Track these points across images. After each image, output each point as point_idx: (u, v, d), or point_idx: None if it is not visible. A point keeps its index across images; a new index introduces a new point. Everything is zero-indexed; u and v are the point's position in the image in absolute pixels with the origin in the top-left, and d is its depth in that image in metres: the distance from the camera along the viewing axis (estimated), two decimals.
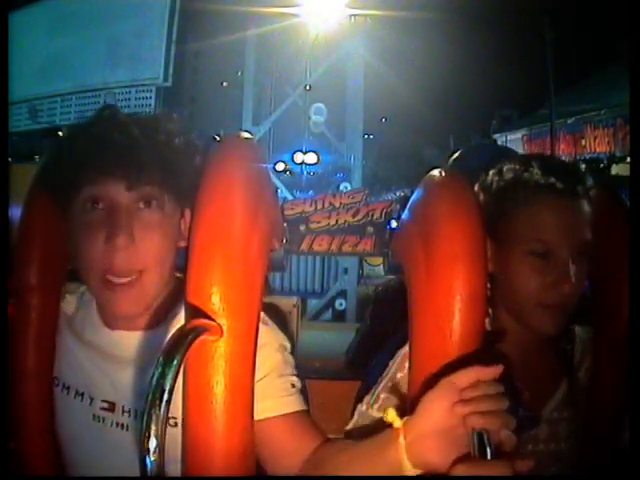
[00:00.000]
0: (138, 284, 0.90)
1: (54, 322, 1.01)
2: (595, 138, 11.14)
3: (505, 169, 0.98)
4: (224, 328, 0.80)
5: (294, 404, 0.93)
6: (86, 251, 0.89)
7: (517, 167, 0.97)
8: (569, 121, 11.57)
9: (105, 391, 0.97)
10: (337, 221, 3.82)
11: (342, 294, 6.08)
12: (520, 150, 11.73)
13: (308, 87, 7.06)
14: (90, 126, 0.94)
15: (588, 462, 1.02)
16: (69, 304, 1.04)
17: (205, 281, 0.81)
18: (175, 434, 0.83)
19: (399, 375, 0.98)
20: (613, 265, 1.01)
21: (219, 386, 0.81)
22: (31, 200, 1.02)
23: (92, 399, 0.97)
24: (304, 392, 0.98)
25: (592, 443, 1.02)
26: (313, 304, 6.14)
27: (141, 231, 0.89)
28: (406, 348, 0.98)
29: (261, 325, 0.87)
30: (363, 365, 1.13)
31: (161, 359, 0.69)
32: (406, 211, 0.99)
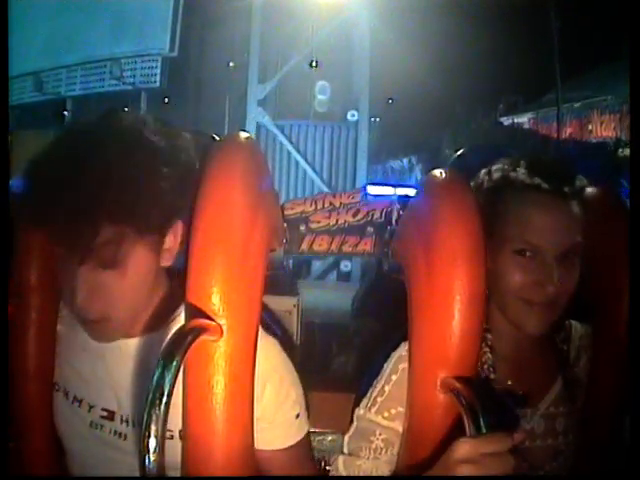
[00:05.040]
0: (110, 323, 0.89)
1: (54, 322, 1.01)
2: (602, 123, 11.04)
3: (494, 169, 0.99)
4: (224, 328, 0.80)
5: (294, 437, 0.98)
6: (62, 292, 0.91)
7: (505, 167, 0.98)
8: (575, 105, 11.45)
9: (106, 399, 0.97)
10: (337, 221, 3.80)
11: (347, 256, 6.10)
12: (527, 133, 11.61)
13: (315, 63, 7.02)
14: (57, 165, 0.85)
15: (588, 462, 1.02)
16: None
17: (205, 281, 0.81)
18: (170, 446, 0.78)
19: (394, 377, 0.98)
20: (613, 265, 1.01)
21: (219, 386, 0.81)
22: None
23: (92, 406, 0.97)
24: (305, 415, 1.00)
25: (591, 444, 1.02)
26: (317, 265, 6.11)
27: (105, 289, 0.87)
28: (400, 351, 0.99)
29: (269, 347, 0.91)
30: (368, 314, 1.13)
31: (161, 359, 0.69)
32: (406, 211, 0.99)
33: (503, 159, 1.01)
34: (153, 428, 0.64)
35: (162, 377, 0.67)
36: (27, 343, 0.98)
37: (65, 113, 8.07)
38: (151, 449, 0.64)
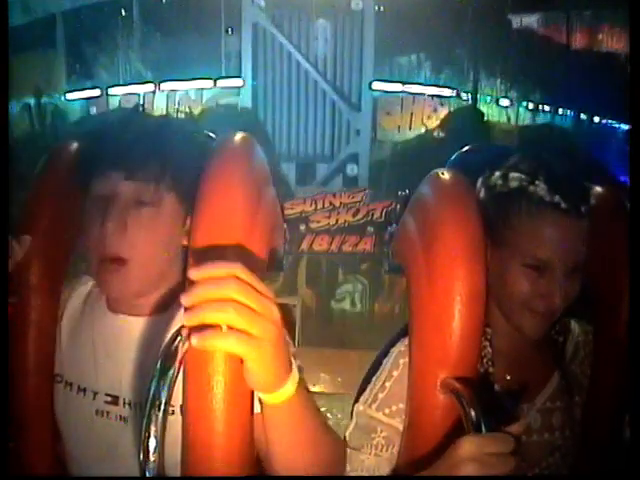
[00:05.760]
0: (124, 270, 0.93)
1: (54, 322, 1.01)
2: (612, 35, 10.75)
3: (511, 176, 0.97)
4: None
5: None
6: (87, 235, 0.95)
7: (523, 177, 0.96)
8: (586, 13, 11.09)
9: (109, 384, 0.98)
10: (337, 221, 3.81)
11: (353, 158, 5.77)
12: (535, 35, 11.27)
13: None
14: (106, 128, 1.00)
15: (588, 462, 1.02)
16: (75, 300, 1.05)
17: None
18: (173, 422, 0.81)
19: (395, 373, 0.99)
20: (613, 266, 1.01)
21: (219, 387, 0.80)
22: (34, 199, 1.01)
23: (95, 393, 0.98)
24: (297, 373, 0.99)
25: (591, 443, 1.02)
26: (322, 169, 5.76)
27: (132, 224, 0.93)
28: (400, 346, 1.00)
29: None
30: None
31: (160, 360, 0.69)
32: (406, 211, 0.99)
33: (519, 164, 0.98)
34: (153, 429, 0.64)
35: (162, 378, 0.67)
36: (27, 343, 0.98)
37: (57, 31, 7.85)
38: (151, 450, 0.64)
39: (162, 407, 0.66)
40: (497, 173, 0.99)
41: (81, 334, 1.01)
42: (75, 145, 1.05)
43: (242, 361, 0.83)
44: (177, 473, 0.85)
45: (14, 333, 0.96)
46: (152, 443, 0.64)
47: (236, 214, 0.84)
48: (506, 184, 0.97)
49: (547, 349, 1.07)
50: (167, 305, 0.99)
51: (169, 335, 0.76)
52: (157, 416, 0.65)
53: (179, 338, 0.73)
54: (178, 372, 0.70)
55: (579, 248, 0.95)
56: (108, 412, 0.97)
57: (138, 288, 0.96)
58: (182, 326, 0.79)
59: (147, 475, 0.65)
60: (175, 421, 0.83)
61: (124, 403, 0.97)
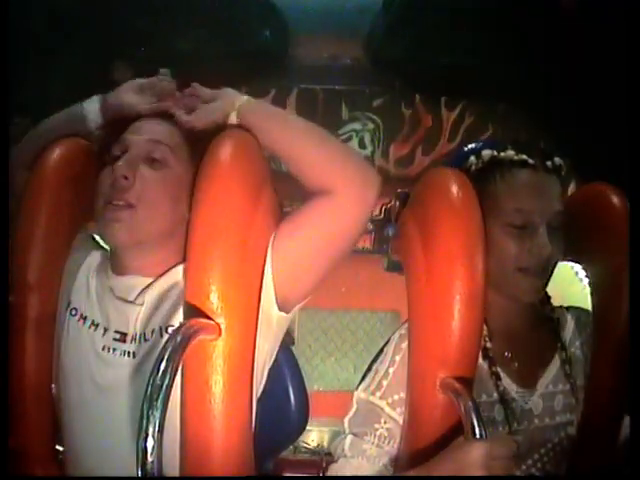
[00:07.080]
0: (132, 214, 0.95)
1: (52, 323, 1.01)
2: None
3: (483, 153, 1.05)
4: (222, 327, 0.80)
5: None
6: (101, 185, 0.99)
7: (494, 150, 1.04)
8: None
9: (121, 322, 0.99)
10: None
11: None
12: None
13: None
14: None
15: (587, 461, 1.02)
16: (95, 251, 1.08)
17: (203, 280, 0.81)
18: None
19: (397, 358, 0.99)
20: (613, 262, 1.01)
21: (217, 385, 0.80)
22: (32, 198, 1.01)
23: (106, 330, 0.99)
24: None
25: (591, 443, 1.02)
26: None
27: (142, 176, 0.97)
28: (401, 330, 1.00)
29: None
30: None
31: (159, 359, 0.69)
32: (406, 209, 0.99)
33: (487, 145, 1.06)
34: (151, 429, 0.64)
35: (160, 377, 0.67)
36: (25, 341, 0.98)
37: None
38: (149, 449, 0.64)
39: (161, 405, 0.66)
40: (471, 157, 1.06)
41: (98, 282, 1.04)
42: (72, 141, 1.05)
43: (240, 361, 0.83)
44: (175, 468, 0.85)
45: (13, 333, 0.96)
46: (149, 443, 0.64)
47: (234, 212, 0.83)
48: (480, 160, 1.04)
49: (546, 333, 1.08)
50: (169, 267, 0.99)
51: (170, 327, 0.75)
52: (155, 416, 0.65)
53: (179, 336, 0.73)
54: (177, 367, 0.70)
55: (554, 200, 1.00)
56: (115, 349, 0.98)
57: (143, 236, 0.97)
58: (183, 323, 0.79)
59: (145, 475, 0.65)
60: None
61: (132, 339, 0.98)
